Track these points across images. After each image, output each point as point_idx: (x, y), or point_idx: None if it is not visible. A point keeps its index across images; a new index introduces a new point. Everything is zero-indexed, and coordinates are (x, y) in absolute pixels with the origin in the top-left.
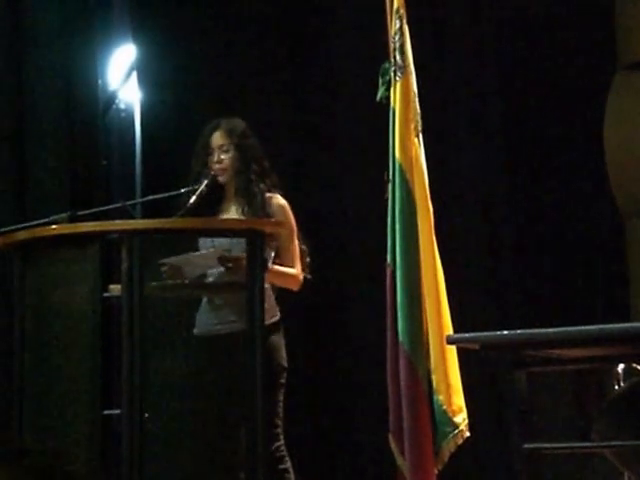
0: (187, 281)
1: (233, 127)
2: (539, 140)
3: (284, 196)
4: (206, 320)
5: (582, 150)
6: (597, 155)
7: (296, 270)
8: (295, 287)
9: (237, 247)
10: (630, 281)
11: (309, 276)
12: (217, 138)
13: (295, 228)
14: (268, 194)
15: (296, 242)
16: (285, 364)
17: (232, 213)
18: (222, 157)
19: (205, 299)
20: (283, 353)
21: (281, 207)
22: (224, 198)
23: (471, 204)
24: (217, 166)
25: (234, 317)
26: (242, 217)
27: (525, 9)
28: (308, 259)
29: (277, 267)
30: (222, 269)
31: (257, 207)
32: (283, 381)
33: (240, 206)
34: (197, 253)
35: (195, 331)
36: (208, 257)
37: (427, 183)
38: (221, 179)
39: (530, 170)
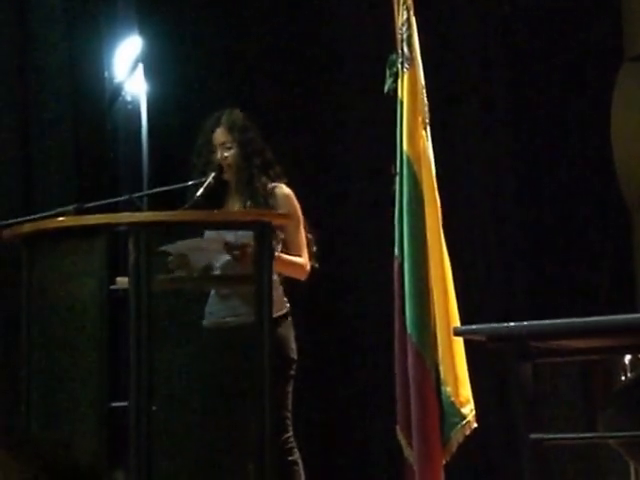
0: (195, 274)
1: (233, 122)
2: (546, 132)
3: (288, 185)
4: (215, 312)
5: (589, 142)
6: (604, 147)
7: (303, 259)
8: (302, 276)
9: (243, 240)
10: (637, 273)
11: (316, 265)
12: (219, 135)
13: (301, 217)
14: (272, 184)
15: (302, 231)
16: (294, 356)
17: (235, 209)
18: (225, 154)
19: (213, 291)
20: (292, 345)
21: (286, 196)
22: (228, 194)
23: (478, 196)
24: (221, 163)
25: (242, 309)
26: None
27: (532, 0)
28: (314, 248)
29: (284, 255)
30: (229, 259)
31: (260, 202)
32: (292, 373)
33: (243, 201)
34: (203, 237)
35: (204, 323)
36: (214, 241)
37: (435, 175)
38: (225, 175)
39: (537, 162)
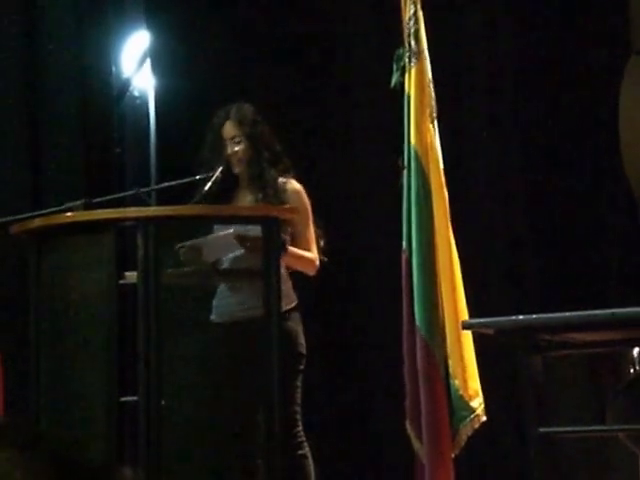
0: (203, 268)
1: (243, 116)
2: (553, 124)
3: (298, 179)
4: (223, 306)
5: (596, 135)
6: (611, 139)
7: (312, 254)
8: (312, 271)
9: (255, 233)
10: None
11: (325, 259)
12: (229, 129)
13: (310, 212)
14: (282, 179)
15: (311, 226)
16: (303, 351)
17: (246, 202)
18: (235, 149)
19: (222, 285)
20: (301, 340)
21: (296, 192)
22: (237, 187)
23: (486, 189)
24: (231, 158)
25: (251, 303)
26: None
27: None
28: (322, 243)
29: (294, 249)
30: (238, 253)
31: (270, 195)
32: (301, 367)
33: (254, 195)
34: (215, 235)
35: (212, 317)
36: (226, 238)
37: (442, 169)
38: (235, 169)
39: (545, 155)
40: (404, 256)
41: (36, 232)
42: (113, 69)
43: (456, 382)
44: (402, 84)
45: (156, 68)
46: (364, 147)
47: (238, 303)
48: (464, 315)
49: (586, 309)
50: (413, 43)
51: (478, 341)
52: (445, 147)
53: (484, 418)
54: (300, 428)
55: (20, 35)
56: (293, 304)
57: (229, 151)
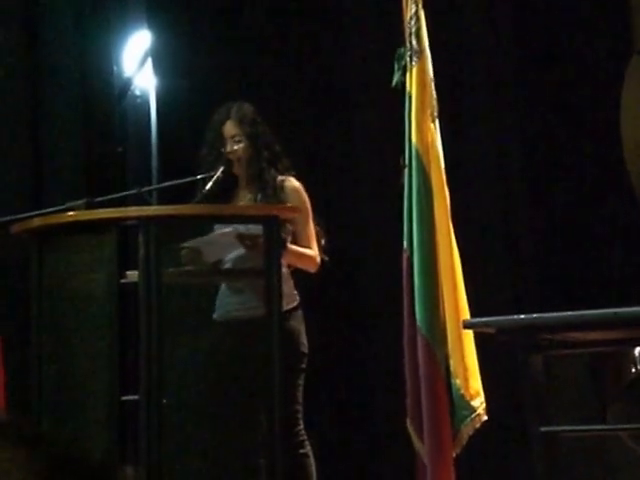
0: (205, 267)
1: (243, 115)
2: (555, 124)
3: (297, 177)
4: (225, 305)
5: (597, 134)
6: (612, 138)
7: (313, 251)
8: (313, 268)
9: (255, 231)
10: None
11: (326, 257)
12: (229, 128)
13: (310, 210)
14: (281, 177)
15: (311, 224)
16: (305, 350)
17: (245, 201)
18: (235, 147)
19: (224, 285)
20: (303, 339)
21: (295, 190)
22: (237, 187)
23: (487, 189)
24: (230, 156)
25: (253, 303)
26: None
27: None
28: (323, 241)
29: (294, 247)
30: (239, 253)
31: (270, 195)
32: (303, 366)
33: (253, 194)
34: (214, 233)
35: (214, 316)
36: (225, 236)
37: (443, 168)
38: (235, 169)
39: (545, 154)
40: (405, 255)
41: (37, 232)
42: (114, 69)
43: (457, 381)
44: (403, 83)
45: (157, 68)
46: (365, 147)
47: (239, 302)
48: (465, 314)
49: (586, 309)
50: (414, 42)
51: (479, 340)
52: (445, 146)
53: (485, 417)
54: (301, 427)
55: (21, 35)
56: (295, 303)
57: (229, 149)
